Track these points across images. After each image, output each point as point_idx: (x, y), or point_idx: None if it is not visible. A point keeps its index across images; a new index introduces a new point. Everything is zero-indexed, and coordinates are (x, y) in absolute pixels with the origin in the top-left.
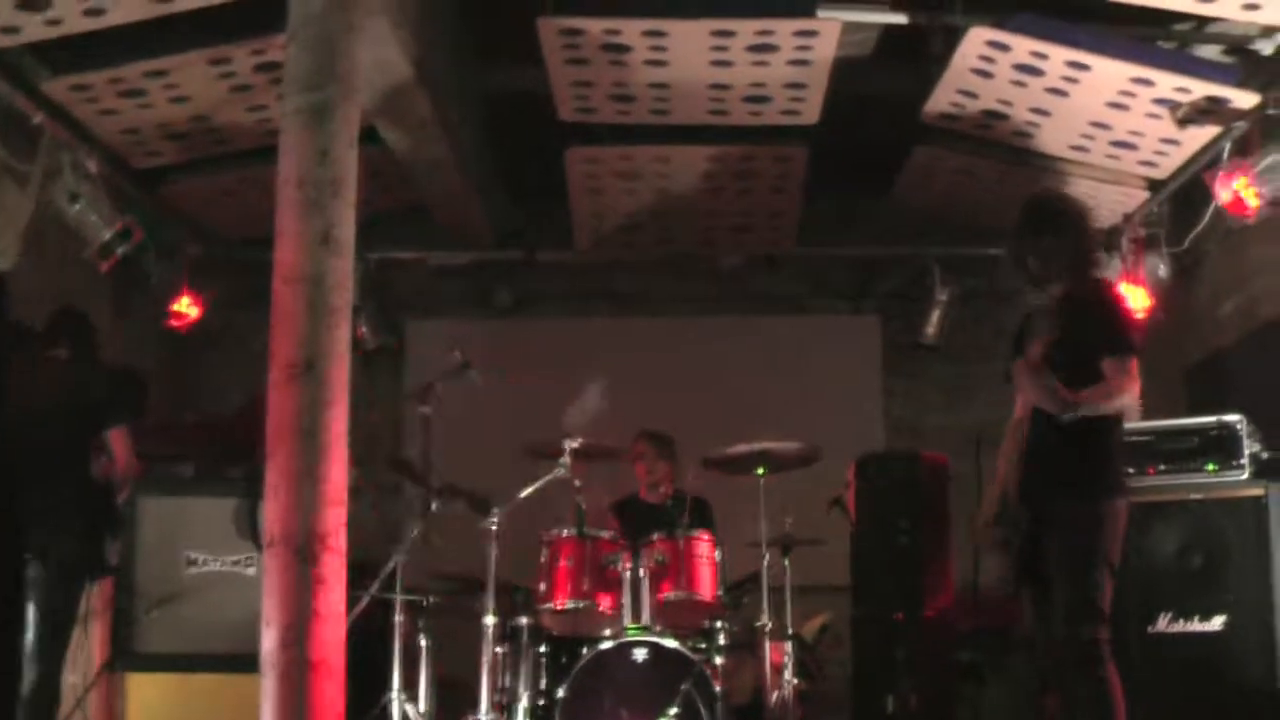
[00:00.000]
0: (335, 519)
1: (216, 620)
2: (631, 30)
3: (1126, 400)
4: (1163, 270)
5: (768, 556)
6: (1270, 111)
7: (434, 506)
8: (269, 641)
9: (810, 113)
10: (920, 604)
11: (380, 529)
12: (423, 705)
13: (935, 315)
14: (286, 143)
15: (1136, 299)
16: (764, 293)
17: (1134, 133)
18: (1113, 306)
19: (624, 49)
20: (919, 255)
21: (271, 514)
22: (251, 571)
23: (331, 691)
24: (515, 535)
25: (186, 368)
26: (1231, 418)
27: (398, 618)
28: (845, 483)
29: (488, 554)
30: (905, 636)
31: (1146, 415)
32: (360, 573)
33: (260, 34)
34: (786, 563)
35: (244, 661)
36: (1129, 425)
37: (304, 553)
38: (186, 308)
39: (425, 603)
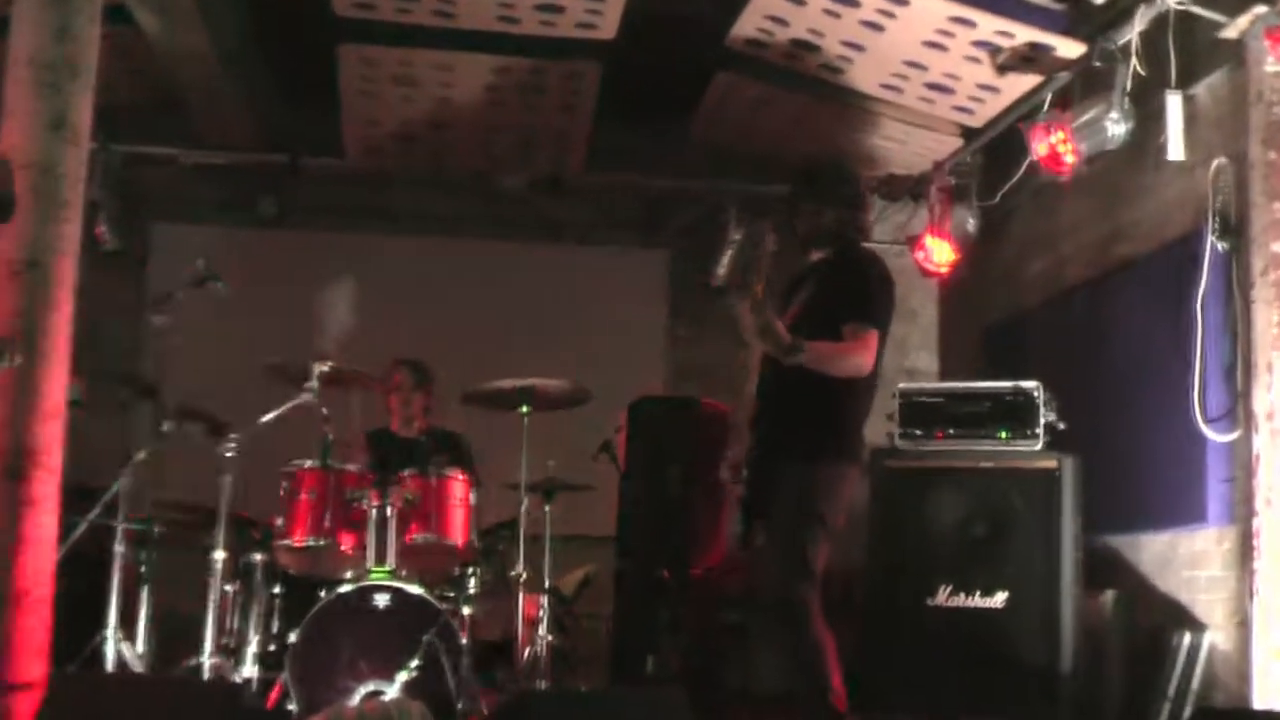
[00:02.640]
0: (50, 434)
1: None
2: None
3: (853, 366)
4: (971, 224)
5: (527, 501)
6: (1095, 63)
7: (165, 427)
8: None
9: (607, 27)
10: (688, 561)
11: (103, 448)
12: (140, 646)
13: (727, 256)
14: (20, 15)
15: (941, 252)
16: (546, 219)
17: (950, 76)
18: (866, 276)
19: None
20: (714, 190)
21: None
22: None
23: (35, 626)
24: (258, 466)
25: None
26: (1028, 384)
27: (118, 548)
28: (617, 427)
29: (221, 483)
30: (670, 595)
31: (943, 376)
32: (78, 496)
33: None
34: (547, 509)
35: None
36: (919, 386)
37: (13, 470)
38: None
39: (150, 533)
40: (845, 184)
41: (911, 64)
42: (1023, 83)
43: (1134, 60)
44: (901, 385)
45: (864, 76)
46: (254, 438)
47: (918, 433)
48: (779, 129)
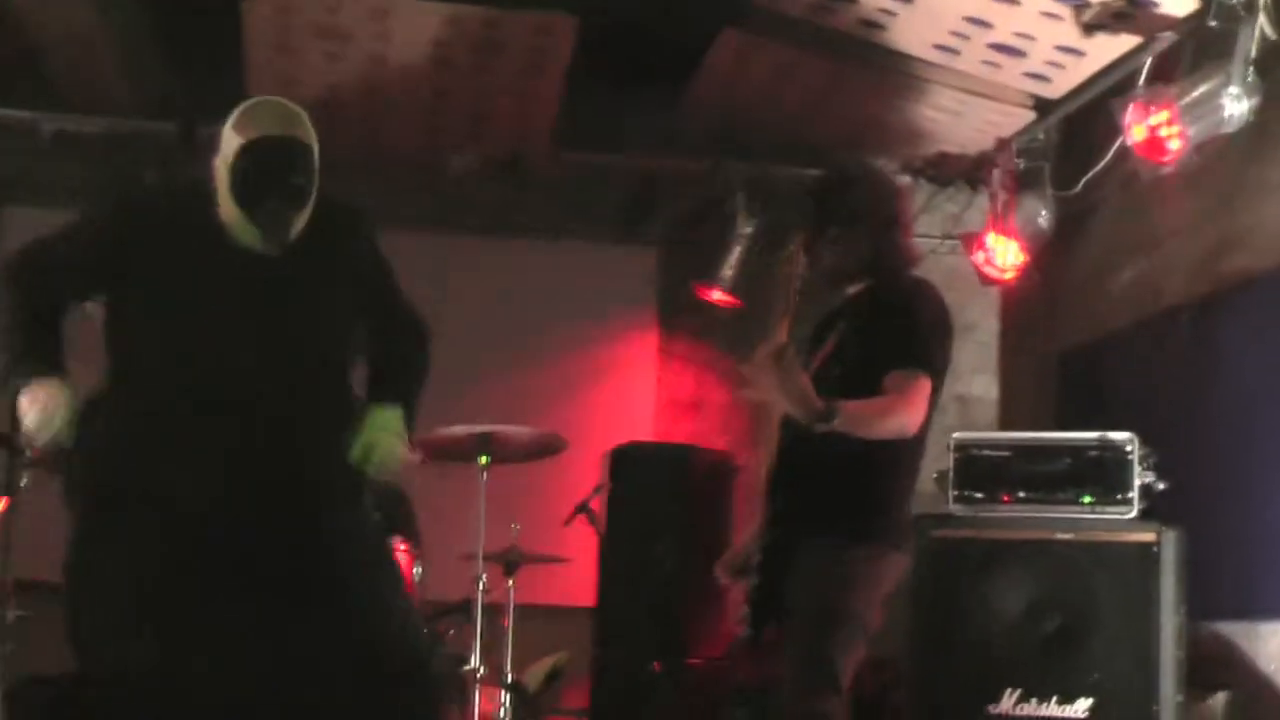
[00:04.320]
0: None
1: None
2: None
3: (897, 426)
4: (1043, 218)
5: (485, 576)
6: (1210, 23)
7: (23, 482)
8: None
9: None
10: (684, 648)
11: None
12: None
13: (734, 255)
14: None
15: (1005, 253)
16: (505, 208)
17: (1022, 35)
18: (913, 312)
19: None
20: (715, 172)
21: None
22: None
23: None
24: None
25: None
26: (1119, 437)
27: None
28: (597, 485)
29: None
30: (662, 690)
31: (1006, 420)
32: None
33: None
34: (510, 584)
35: None
36: (978, 436)
37: None
38: None
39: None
40: (884, 200)
41: (973, 20)
42: (1114, 45)
43: (1260, 20)
44: (957, 435)
45: (911, 35)
46: None
47: (977, 495)
48: (799, 99)
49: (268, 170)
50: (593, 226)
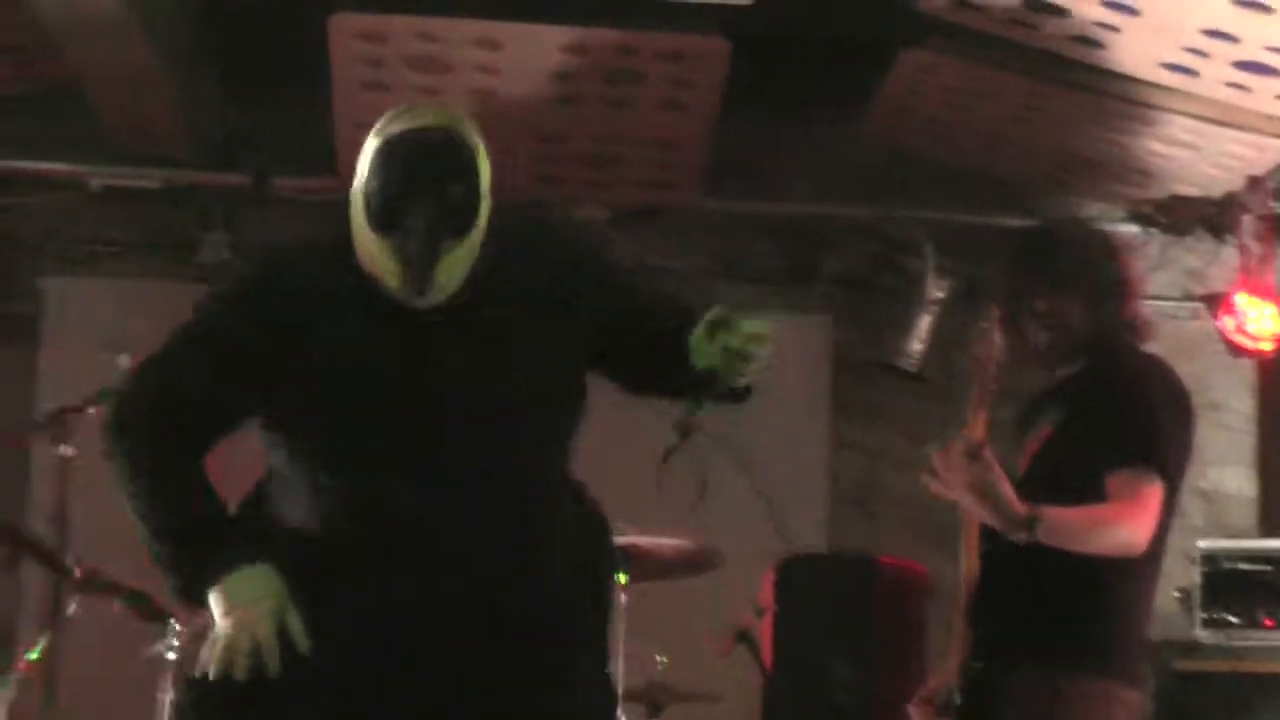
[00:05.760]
0: None
1: None
2: None
3: (1121, 541)
4: None
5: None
6: None
7: (71, 609)
8: None
9: None
10: None
11: None
12: None
13: (922, 325)
14: None
15: (1261, 318)
16: (640, 267)
17: (1276, 50)
18: (1142, 400)
19: None
20: (897, 221)
21: None
22: None
23: None
24: None
25: None
26: None
27: None
28: (757, 606)
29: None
30: None
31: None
32: None
33: None
34: None
35: None
36: (1231, 545)
37: None
38: None
39: None
40: (1103, 259)
41: (1213, 33)
42: None
43: None
44: (1204, 543)
45: (1136, 53)
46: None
47: (1231, 618)
48: (994, 132)
49: (408, 171)
50: (747, 289)
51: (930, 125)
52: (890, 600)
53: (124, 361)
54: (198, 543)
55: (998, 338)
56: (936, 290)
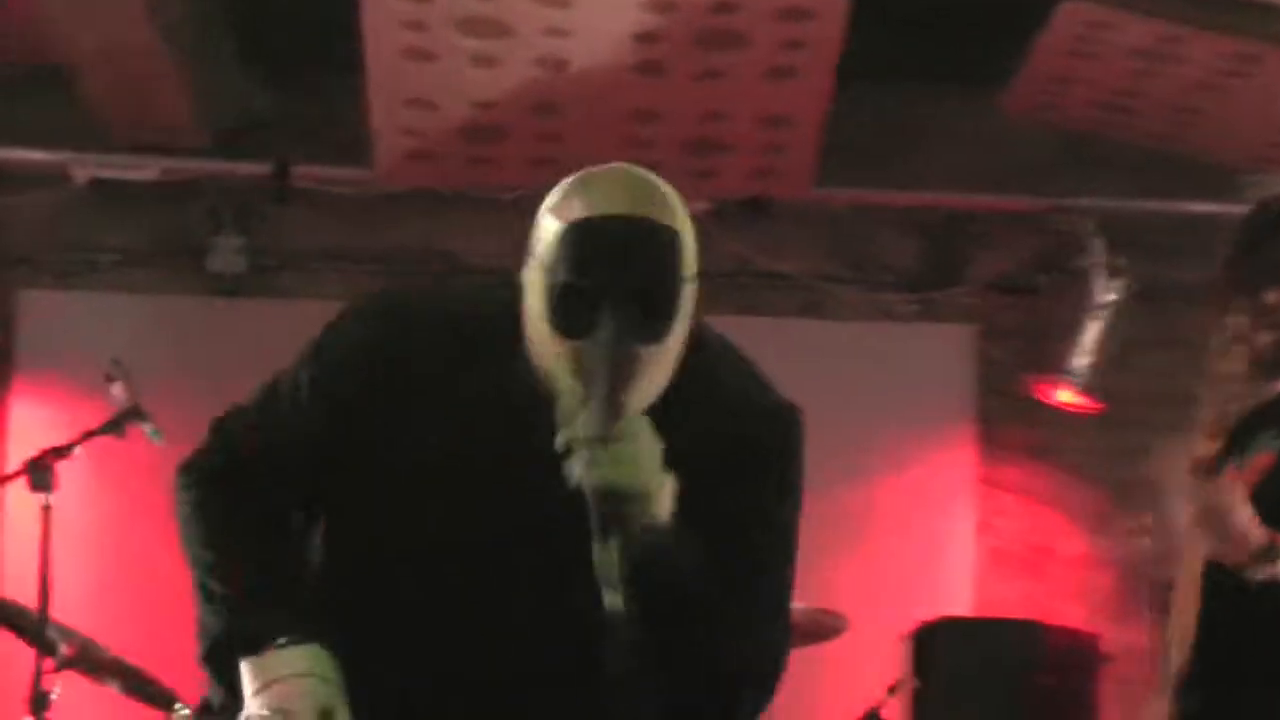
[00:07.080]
0: None
1: None
2: None
3: None
4: None
5: None
6: None
7: (53, 693)
8: None
9: None
10: None
11: None
12: None
13: (1091, 335)
14: None
15: None
16: (742, 270)
17: None
18: None
19: None
20: (1057, 210)
21: None
22: None
23: None
24: None
25: None
26: None
27: None
28: (891, 685)
29: None
30: None
31: None
32: None
33: None
34: None
35: None
36: None
37: None
38: None
39: None
40: None
41: None
42: None
43: None
44: None
45: None
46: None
47: None
48: (1178, 100)
49: (597, 270)
50: (873, 294)
51: (1096, 96)
52: (1055, 672)
53: (118, 392)
54: (257, 608)
55: (1242, 346)
56: (1107, 292)
